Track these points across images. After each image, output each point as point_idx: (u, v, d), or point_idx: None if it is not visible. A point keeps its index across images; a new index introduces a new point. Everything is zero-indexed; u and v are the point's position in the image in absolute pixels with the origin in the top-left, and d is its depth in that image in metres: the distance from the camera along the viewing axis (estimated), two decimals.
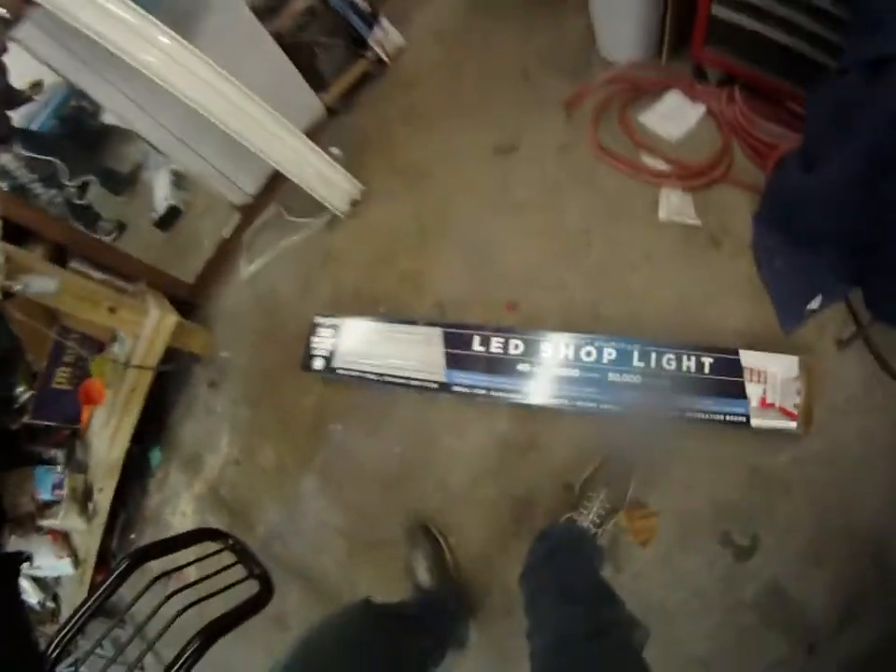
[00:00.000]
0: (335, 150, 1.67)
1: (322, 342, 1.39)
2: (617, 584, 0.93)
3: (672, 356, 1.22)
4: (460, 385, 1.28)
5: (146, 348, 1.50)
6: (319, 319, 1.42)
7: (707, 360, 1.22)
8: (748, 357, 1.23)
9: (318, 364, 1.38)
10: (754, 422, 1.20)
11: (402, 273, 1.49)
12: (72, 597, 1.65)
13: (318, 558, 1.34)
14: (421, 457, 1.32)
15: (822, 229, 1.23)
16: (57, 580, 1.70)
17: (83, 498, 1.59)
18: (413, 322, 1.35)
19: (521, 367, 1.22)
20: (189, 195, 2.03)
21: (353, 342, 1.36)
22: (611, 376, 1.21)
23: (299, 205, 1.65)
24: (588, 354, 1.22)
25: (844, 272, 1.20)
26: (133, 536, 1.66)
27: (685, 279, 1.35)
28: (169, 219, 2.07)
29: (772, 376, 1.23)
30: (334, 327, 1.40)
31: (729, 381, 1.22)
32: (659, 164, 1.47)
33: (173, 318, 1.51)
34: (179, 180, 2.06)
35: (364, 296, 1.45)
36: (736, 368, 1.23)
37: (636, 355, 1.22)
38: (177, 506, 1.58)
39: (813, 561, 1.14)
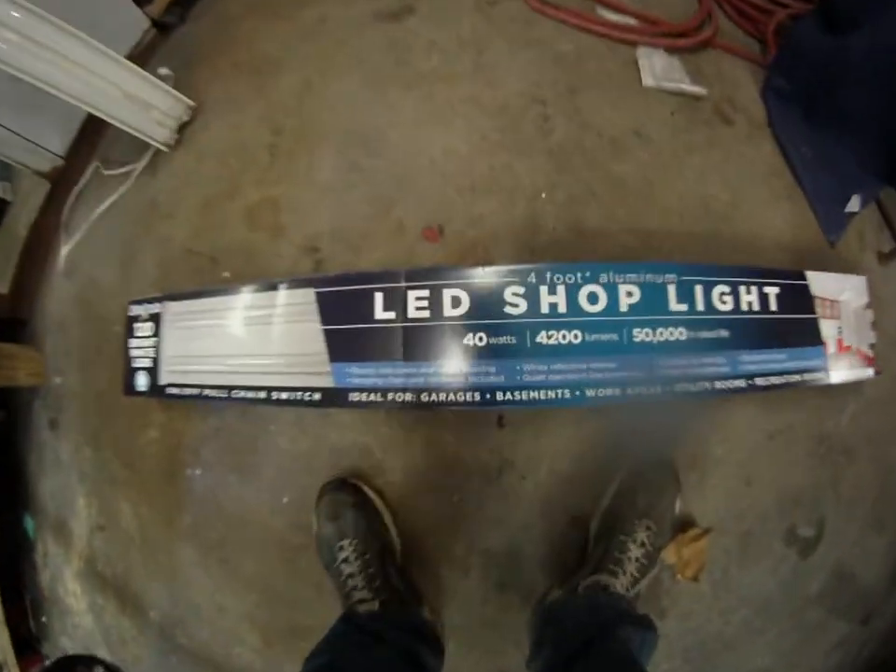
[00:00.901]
0: (164, 70, 0.95)
1: (141, 345, 0.70)
2: (662, 633, 0.49)
3: (727, 287, 0.59)
4: (360, 388, 0.56)
5: None
6: (134, 309, 0.72)
7: (773, 291, 0.60)
8: (817, 282, 0.62)
9: (142, 382, 0.69)
10: (834, 376, 0.61)
11: (250, 209, 0.73)
12: None
13: (232, 651, 0.75)
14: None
15: (851, 106, 0.76)
16: None
17: None
18: (270, 287, 0.61)
19: (469, 339, 0.55)
20: (15, 182, 1.29)
21: (180, 338, 0.67)
22: (637, 333, 0.57)
23: (119, 153, 0.92)
24: (592, 298, 0.57)
25: (877, 164, 0.77)
26: (44, 619, 1.06)
27: (698, 167, 0.71)
28: None
29: (845, 307, 0.64)
30: (153, 318, 0.70)
31: (800, 320, 0.61)
32: (625, 21, 0.80)
33: None
34: (2, 166, 1.31)
35: (200, 258, 0.74)
36: (806, 299, 0.61)
37: (672, 292, 0.58)
38: (66, 585, 0.95)
39: (875, 528, 0.75)
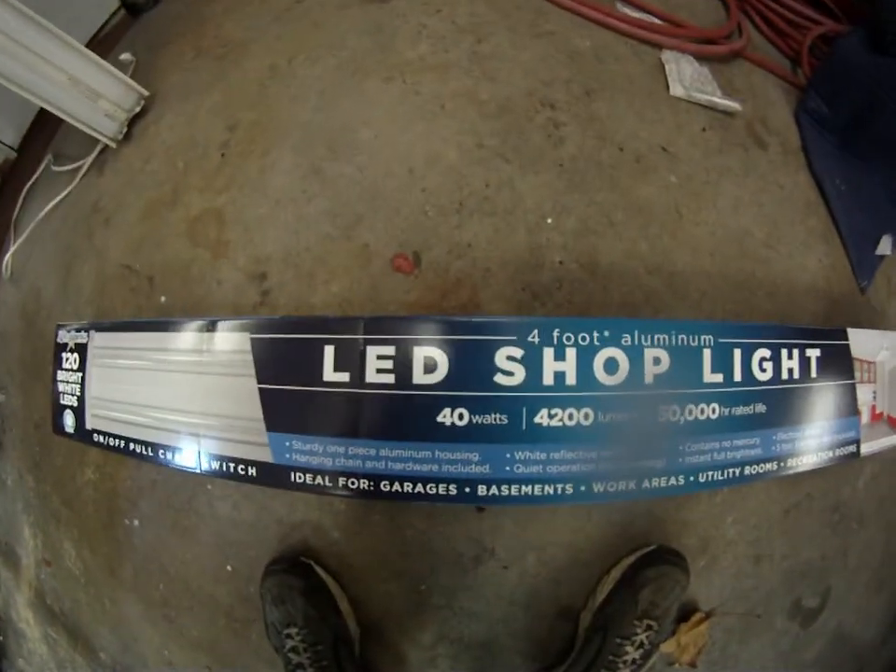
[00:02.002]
0: (125, 56, 0.68)
1: (67, 378, 0.44)
2: None
3: (767, 352, 0.34)
4: (304, 468, 0.32)
5: None
6: (62, 336, 0.45)
7: (814, 354, 0.35)
8: (857, 341, 0.36)
9: (69, 422, 0.44)
10: (865, 448, 0.37)
11: (193, 221, 0.45)
12: None
13: None
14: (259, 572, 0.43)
15: (891, 135, 0.53)
16: None
17: None
18: (205, 327, 0.35)
19: (444, 416, 0.30)
20: None
21: (104, 377, 0.41)
22: (663, 412, 0.32)
23: (73, 145, 0.62)
24: (610, 366, 0.32)
25: None
26: (1, 638, 0.79)
27: (732, 197, 0.44)
28: None
29: (881, 368, 0.38)
30: (79, 349, 0.43)
31: (839, 387, 0.36)
32: (648, 19, 0.51)
33: None
34: None
35: (136, 276, 0.47)
36: (846, 362, 0.36)
37: (707, 358, 0.33)
38: (19, 611, 0.70)
39: (876, 589, 0.51)
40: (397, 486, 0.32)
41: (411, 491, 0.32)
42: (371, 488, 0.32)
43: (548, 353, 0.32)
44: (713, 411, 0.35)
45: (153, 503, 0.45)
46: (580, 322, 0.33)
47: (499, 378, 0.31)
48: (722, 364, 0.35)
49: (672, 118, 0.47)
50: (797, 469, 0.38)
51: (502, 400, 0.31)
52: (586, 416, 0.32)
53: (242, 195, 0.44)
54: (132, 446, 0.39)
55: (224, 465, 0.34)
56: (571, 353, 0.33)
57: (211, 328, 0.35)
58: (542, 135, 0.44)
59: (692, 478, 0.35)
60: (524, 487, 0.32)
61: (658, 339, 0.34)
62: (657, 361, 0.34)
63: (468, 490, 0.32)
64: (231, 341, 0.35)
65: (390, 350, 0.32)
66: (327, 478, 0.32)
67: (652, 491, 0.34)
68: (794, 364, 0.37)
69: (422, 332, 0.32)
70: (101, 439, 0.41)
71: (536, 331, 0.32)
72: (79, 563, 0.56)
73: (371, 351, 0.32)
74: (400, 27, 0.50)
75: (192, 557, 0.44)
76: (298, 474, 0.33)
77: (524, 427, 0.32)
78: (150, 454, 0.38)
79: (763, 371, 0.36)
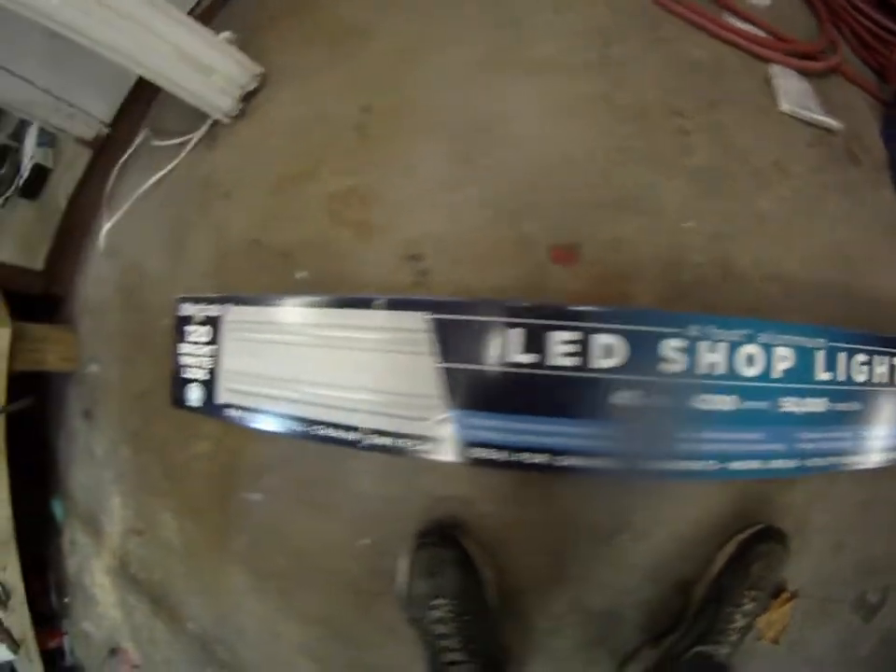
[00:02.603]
0: (226, 35, 0.60)
1: (194, 352, 0.37)
2: None
3: (865, 357, 0.33)
4: (486, 443, 0.29)
5: None
6: (186, 308, 0.38)
7: None
8: None
9: (194, 396, 0.38)
10: None
11: (334, 198, 0.38)
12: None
13: None
14: (402, 546, 0.38)
15: None
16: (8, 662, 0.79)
17: None
18: (363, 302, 0.31)
19: (619, 397, 0.28)
20: (58, 148, 0.72)
21: (244, 351, 0.35)
22: (785, 403, 0.31)
23: (173, 120, 0.53)
24: (750, 360, 0.31)
25: None
26: (66, 599, 0.70)
27: (833, 212, 0.42)
28: (35, 183, 0.74)
29: None
30: (210, 322, 0.37)
31: None
32: (755, 31, 0.47)
33: (2, 332, 0.48)
34: (45, 131, 0.71)
35: (267, 252, 0.40)
36: None
37: (820, 358, 0.32)
38: (94, 576, 0.63)
39: None
40: (572, 461, 0.30)
41: (584, 465, 0.30)
42: (548, 462, 0.30)
43: (703, 346, 0.32)
44: (822, 405, 0.36)
45: (282, 477, 0.41)
46: (730, 320, 0.33)
47: (664, 365, 0.30)
48: (831, 365, 0.35)
49: (781, 133, 0.45)
50: (879, 464, 0.39)
51: (667, 385, 0.30)
52: (731, 402, 0.32)
53: (386, 176, 0.40)
54: (279, 421, 0.34)
55: (393, 441, 0.31)
56: (722, 347, 0.32)
57: (373, 304, 0.30)
58: (675, 143, 0.41)
59: (803, 462, 0.36)
60: (681, 463, 0.31)
61: (786, 339, 0.34)
62: (784, 359, 0.34)
63: (636, 465, 0.31)
64: (403, 319, 0.30)
65: (575, 335, 0.30)
66: (506, 453, 0.30)
67: (774, 472, 0.34)
68: (884, 369, 0.38)
69: (603, 320, 0.29)
70: (235, 413, 0.36)
71: (696, 326, 0.31)
72: (179, 535, 0.50)
73: (556, 335, 0.29)
74: (530, 23, 0.45)
75: (323, 531, 0.40)
76: (478, 450, 0.30)
77: (683, 410, 0.31)
78: (300, 429, 0.33)
79: (861, 373, 0.36)
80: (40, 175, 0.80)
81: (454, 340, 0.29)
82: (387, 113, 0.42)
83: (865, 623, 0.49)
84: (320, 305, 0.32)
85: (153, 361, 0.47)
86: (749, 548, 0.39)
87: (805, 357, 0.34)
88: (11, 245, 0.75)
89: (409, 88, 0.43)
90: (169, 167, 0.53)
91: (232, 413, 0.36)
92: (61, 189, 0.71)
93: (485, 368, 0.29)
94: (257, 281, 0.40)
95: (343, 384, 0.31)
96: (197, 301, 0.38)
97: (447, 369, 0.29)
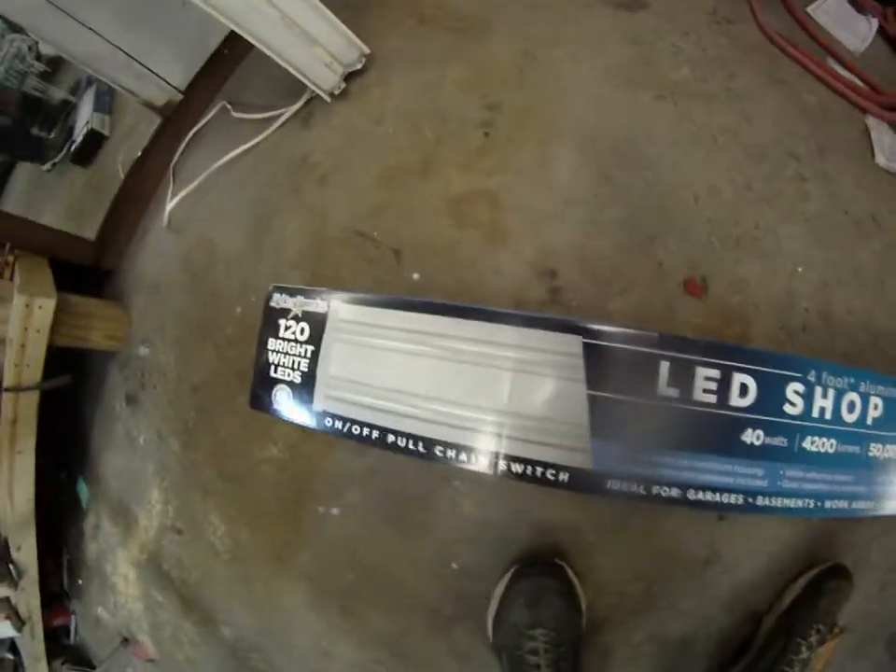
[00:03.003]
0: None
1: (287, 349, 0.29)
2: None
3: None
4: (622, 476, 0.24)
5: (16, 357, 0.38)
6: (280, 299, 0.30)
7: None
8: None
9: (283, 400, 0.29)
10: None
11: (458, 199, 0.32)
12: (29, 650, 0.65)
13: None
14: (496, 572, 0.33)
15: None
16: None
17: (1, 563, 0.53)
18: (513, 318, 0.25)
19: (747, 435, 0.24)
20: (116, 115, 0.65)
21: (353, 355, 0.27)
22: (873, 448, 0.29)
23: (254, 94, 0.45)
24: (850, 407, 0.27)
25: None
26: (80, 581, 0.60)
27: None
28: (88, 150, 0.65)
29: None
30: (310, 318, 0.29)
31: None
32: (854, 80, 0.44)
33: (47, 304, 0.37)
34: (102, 97, 0.66)
35: (374, 246, 0.32)
36: None
37: None
38: (117, 565, 0.53)
39: None
40: (699, 495, 0.26)
41: (709, 500, 0.27)
42: (680, 496, 0.26)
43: (818, 391, 0.30)
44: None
45: (369, 494, 0.35)
46: (840, 368, 0.31)
47: (786, 407, 0.28)
48: None
49: (877, 187, 0.44)
50: None
51: (786, 426, 0.28)
52: (832, 446, 0.30)
53: (520, 182, 0.35)
54: (389, 437, 0.27)
55: (528, 468, 0.25)
56: (831, 393, 0.30)
57: (532, 323, 0.25)
58: (793, 188, 0.39)
59: (879, 503, 0.34)
60: (785, 500, 0.29)
61: (879, 389, 0.32)
62: (875, 407, 0.32)
63: (750, 500, 0.28)
64: (560, 341, 0.26)
65: (716, 373, 0.26)
66: (641, 486, 0.25)
67: (856, 511, 0.33)
68: None
69: (743, 360, 0.27)
70: (335, 424, 0.29)
71: (813, 371, 0.29)
72: (228, 539, 0.43)
73: (701, 371, 0.26)
74: (657, 44, 0.41)
75: (407, 552, 0.35)
76: (614, 482, 0.25)
77: (795, 450, 0.29)
78: (419, 449, 0.27)
79: None
80: (94, 142, 0.69)
81: (604, 367, 0.25)
82: (518, 115, 0.36)
83: (892, 661, 0.47)
84: (460, 315, 0.26)
85: (217, 352, 0.40)
86: (819, 583, 0.37)
87: (890, 406, 0.32)
88: (60, 211, 0.63)
89: (540, 90, 0.37)
90: (255, 140, 0.45)
91: (332, 423, 0.28)
92: (118, 156, 0.60)
93: (633, 399, 0.25)
94: (360, 278, 0.34)
95: (477, 404, 0.26)
96: (296, 292, 0.30)
97: (595, 397, 0.25)
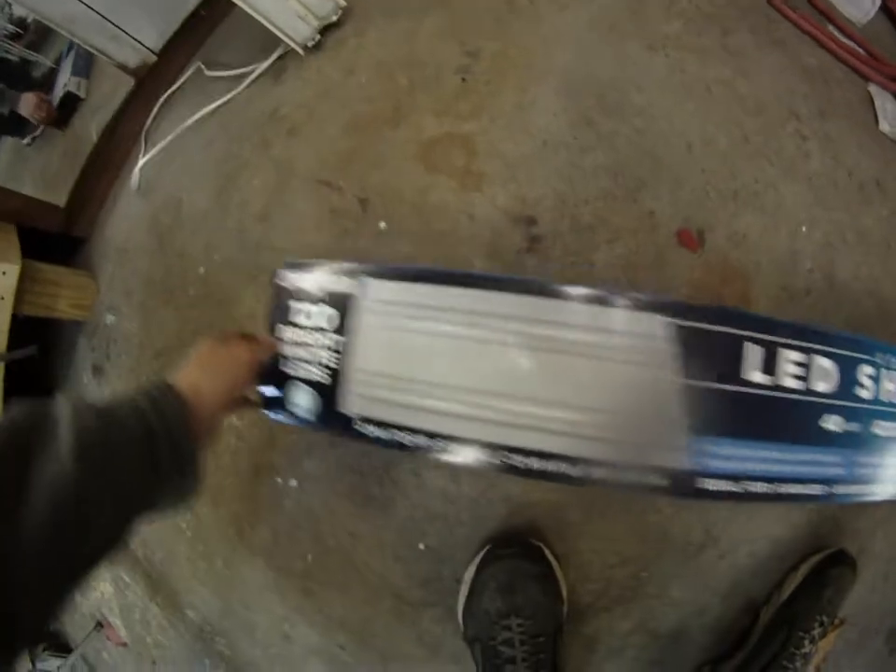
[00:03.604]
0: None
1: (308, 340, 0.21)
2: None
3: None
4: (716, 474, 0.19)
5: None
6: (293, 278, 0.22)
7: None
8: None
9: (302, 403, 0.21)
10: None
11: (431, 144, 0.26)
12: None
13: None
14: (467, 553, 0.28)
15: None
16: None
17: None
18: (595, 299, 0.18)
19: (826, 422, 0.19)
20: (96, 82, 0.59)
21: (393, 344, 0.19)
22: (876, 426, 0.22)
23: (230, 54, 0.41)
24: (867, 379, 0.21)
25: None
26: None
27: None
28: (65, 112, 0.60)
29: None
30: (338, 300, 0.20)
31: None
32: (855, 48, 0.38)
33: (11, 269, 0.32)
34: (80, 60, 0.60)
35: (338, 195, 0.26)
36: None
37: None
38: None
39: None
40: (786, 488, 0.21)
41: (793, 493, 0.22)
42: (771, 492, 0.21)
43: (884, 374, 0.24)
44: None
45: (328, 465, 0.30)
46: (853, 340, 0.24)
47: (858, 391, 0.23)
48: None
49: (881, 153, 0.39)
50: None
51: (860, 410, 0.23)
52: (834, 421, 0.24)
53: (496, 127, 0.30)
54: (440, 444, 0.20)
55: (617, 474, 0.20)
56: (894, 376, 0.25)
57: (604, 301, 0.19)
58: (793, 145, 0.34)
59: (869, 485, 0.28)
60: (860, 486, 0.24)
61: (893, 361, 0.26)
62: (890, 380, 0.26)
63: (831, 490, 0.23)
64: (646, 323, 0.19)
65: (801, 357, 0.21)
66: (733, 484, 0.20)
67: (844, 497, 0.26)
68: None
69: (825, 342, 0.22)
70: (374, 431, 0.21)
71: (879, 353, 0.24)
72: (189, 516, 0.38)
73: (786, 354, 0.20)
74: None
75: (370, 529, 0.30)
76: (709, 481, 0.20)
77: (867, 435, 0.24)
78: (487, 458, 0.20)
79: None
80: (70, 104, 0.65)
81: (694, 352, 0.19)
82: (498, 61, 0.32)
83: (890, 655, 0.41)
84: (534, 293, 0.19)
85: (180, 315, 0.35)
86: (822, 571, 0.32)
87: None
88: (38, 183, 0.60)
89: (522, 37, 0.33)
90: (225, 98, 0.41)
91: (370, 430, 0.21)
92: (95, 120, 0.57)
93: (724, 387, 0.20)
94: (327, 229, 0.30)
95: (551, 399, 0.19)
96: (314, 267, 0.22)
97: (688, 387, 0.19)
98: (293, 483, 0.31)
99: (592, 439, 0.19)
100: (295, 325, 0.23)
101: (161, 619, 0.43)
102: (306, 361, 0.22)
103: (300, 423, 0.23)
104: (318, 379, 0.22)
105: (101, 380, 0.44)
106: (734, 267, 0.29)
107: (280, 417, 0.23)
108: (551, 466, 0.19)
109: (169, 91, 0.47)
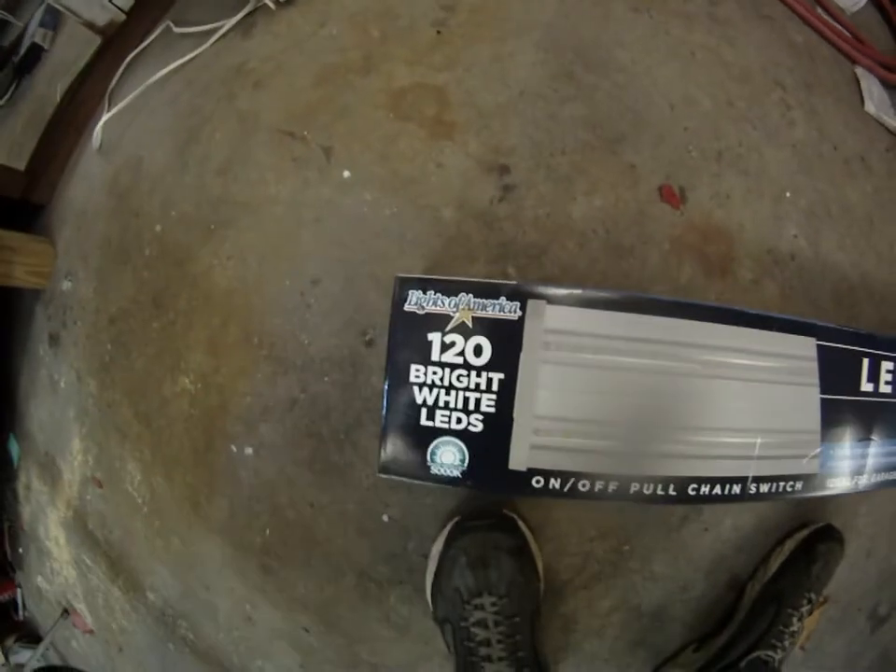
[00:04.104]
0: None
1: (453, 381, 0.16)
2: None
3: None
4: (834, 474, 0.20)
5: None
6: (429, 299, 0.16)
7: None
8: None
9: (449, 462, 0.16)
10: None
11: (401, 92, 0.23)
12: None
13: (252, 663, 0.31)
14: (434, 525, 0.24)
15: None
16: None
17: None
18: (759, 320, 0.18)
19: None
20: (65, 47, 0.47)
21: (581, 379, 0.15)
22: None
23: (203, 12, 0.36)
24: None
25: None
26: (20, 550, 0.49)
27: None
28: (28, 63, 0.49)
29: None
30: (498, 328, 0.15)
31: None
32: (841, 29, 0.36)
33: None
34: (49, 15, 0.49)
35: (303, 146, 0.23)
36: None
37: None
38: (48, 528, 0.42)
39: None
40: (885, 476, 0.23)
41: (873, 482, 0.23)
42: (877, 481, 0.22)
43: None
44: None
45: (286, 428, 0.26)
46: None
47: None
48: None
49: (866, 131, 0.37)
50: None
51: None
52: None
53: (471, 77, 0.27)
54: (633, 487, 0.18)
55: (774, 486, 0.20)
56: None
57: (766, 324, 0.18)
58: (778, 113, 0.32)
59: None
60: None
61: None
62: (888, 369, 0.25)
63: None
64: (797, 344, 0.19)
65: (891, 365, 0.22)
66: (847, 479, 0.22)
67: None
68: None
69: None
70: (548, 482, 0.18)
71: None
72: (144, 489, 0.35)
73: (885, 364, 0.22)
74: None
75: (331, 500, 0.26)
76: (831, 480, 0.21)
77: None
78: (673, 493, 0.18)
79: None
80: (34, 54, 0.58)
81: (829, 368, 0.20)
82: (475, 13, 0.29)
83: (871, 634, 0.40)
84: (720, 320, 0.17)
85: (135, 275, 0.31)
86: (810, 547, 0.30)
87: None
88: (3, 150, 0.55)
89: None
90: (193, 53, 0.37)
91: (541, 482, 0.17)
92: (59, 84, 0.52)
93: (846, 398, 0.21)
94: (287, 180, 0.27)
95: (736, 426, 0.18)
96: (458, 288, 0.17)
97: (826, 400, 0.20)
98: (249, 450, 0.27)
99: (760, 458, 0.18)
100: (437, 363, 0.17)
101: (123, 603, 0.39)
102: (458, 409, 0.17)
103: (444, 483, 0.18)
104: (473, 427, 0.17)
105: (57, 350, 0.40)
106: (717, 227, 0.26)
107: (415, 480, 0.18)
108: (726, 490, 0.18)
109: (136, 51, 0.44)
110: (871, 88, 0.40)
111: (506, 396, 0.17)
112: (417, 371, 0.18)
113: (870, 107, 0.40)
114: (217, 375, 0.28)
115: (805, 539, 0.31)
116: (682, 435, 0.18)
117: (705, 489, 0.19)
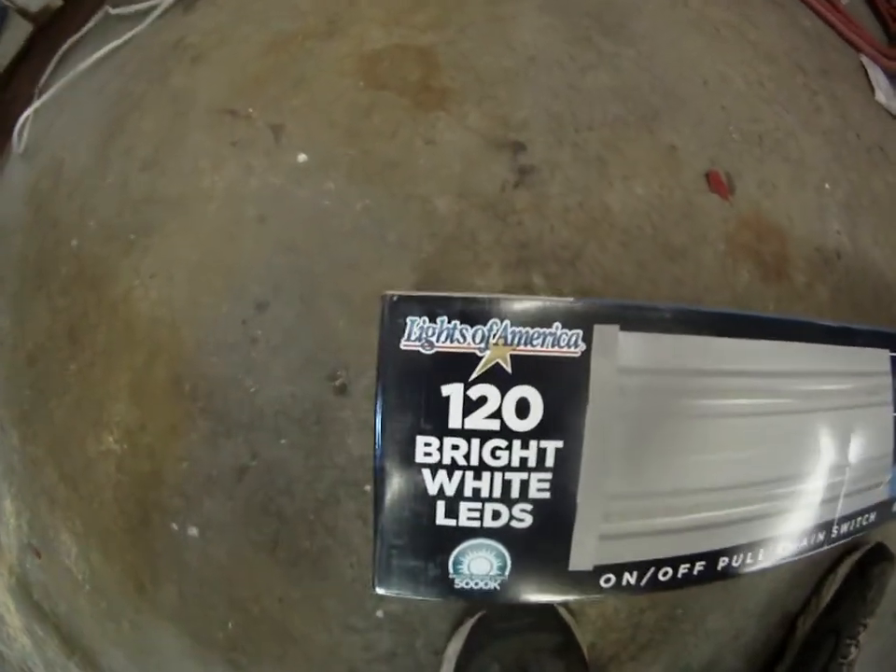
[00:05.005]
0: None
1: (485, 458, 0.08)
2: None
3: None
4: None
5: None
6: (441, 331, 0.08)
7: None
8: None
9: (480, 569, 0.08)
10: None
11: (374, 56, 0.13)
12: None
13: None
14: (446, 618, 0.14)
15: None
16: None
17: None
18: (840, 333, 0.10)
19: None
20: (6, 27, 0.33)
21: (665, 433, 0.08)
22: None
23: None
24: None
25: None
26: None
27: None
28: None
29: None
30: (547, 370, 0.07)
31: None
32: (845, 19, 0.28)
33: None
34: None
35: (247, 126, 0.14)
36: None
37: None
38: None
39: None
40: None
41: None
42: None
43: None
44: None
45: (235, 504, 0.16)
46: None
47: None
48: None
49: (879, 120, 0.31)
50: None
51: None
52: None
53: (466, 38, 0.17)
54: (721, 562, 0.10)
55: (852, 524, 0.13)
56: None
57: (850, 338, 0.11)
58: (805, 97, 0.25)
59: None
60: None
61: None
62: None
63: None
64: (873, 359, 0.12)
65: None
66: None
67: None
68: None
69: None
70: (621, 579, 0.10)
71: None
72: (83, 564, 0.24)
73: None
74: None
75: (304, 596, 0.17)
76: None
77: None
78: (765, 557, 0.11)
79: None
80: None
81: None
82: None
83: None
84: (813, 339, 0.11)
85: (50, 304, 0.21)
86: (864, 570, 0.22)
87: None
88: None
89: None
90: (128, 35, 0.27)
91: (626, 579, 0.11)
92: None
93: None
94: (224, 167, 0.17)
95: (828, 464, 0.11)
96: (478, 311, 0.09)
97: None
98: (193, 531, 0.18)
99: (845, 496, 0.11)
100: (458, 432, 0.10)
101: None
102: (487, 499, 0.10)
103: (476, 598, 0.11)
104: (521, 525, 0.10)
105: None
106: (767, 221, 0.19)
107: (431, 598, 0.11)
108: (811, 541, 0.11)
109: (72, 40, 0.33)
110: (878, 77, 0.34)
111: (566, 473, 0.10)
112: (428, 445, 0.10)
113: (880, 97, 0.33)
114: (143, 433, 0.18)
115: (859, 561, 0.23)
116: (777, 488, 0.12)
117: (792, 546, 0.12)
